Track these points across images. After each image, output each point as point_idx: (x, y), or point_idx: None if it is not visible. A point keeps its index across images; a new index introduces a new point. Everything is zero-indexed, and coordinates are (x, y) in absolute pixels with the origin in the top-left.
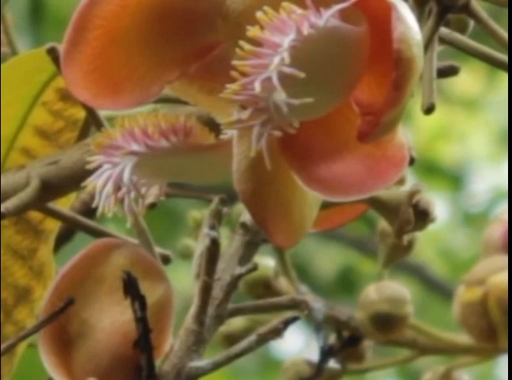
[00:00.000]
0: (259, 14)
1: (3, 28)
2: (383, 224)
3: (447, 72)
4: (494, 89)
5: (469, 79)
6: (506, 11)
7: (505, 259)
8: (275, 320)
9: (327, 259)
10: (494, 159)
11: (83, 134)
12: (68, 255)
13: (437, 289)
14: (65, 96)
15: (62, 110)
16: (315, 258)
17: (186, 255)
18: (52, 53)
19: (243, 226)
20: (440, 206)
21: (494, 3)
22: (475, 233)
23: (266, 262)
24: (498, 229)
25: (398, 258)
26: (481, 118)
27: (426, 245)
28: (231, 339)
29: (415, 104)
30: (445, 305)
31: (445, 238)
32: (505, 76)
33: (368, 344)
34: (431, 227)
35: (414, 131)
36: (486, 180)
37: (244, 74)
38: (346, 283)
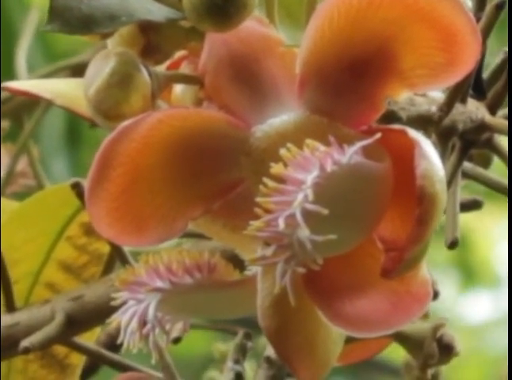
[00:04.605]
0: (283, 151)
1: (29, 161)
2: (407, 357)
3: (470, 206)
4: None
5: None
6: None
7: None
8: None
9: None
10: None
11: (108, 268)
12: None
13: None
14: (89, 230)
15: (86, 244)
16: None
17: None
18: (76, 188)
19: (268, 360)
20: None
21: None
22: None
23: None
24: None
25: None
26: None
27: None
28: None
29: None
30: None
31: None
32: None
33: None
34: None
35: None
36: None
37: (268, 211)
38: None
